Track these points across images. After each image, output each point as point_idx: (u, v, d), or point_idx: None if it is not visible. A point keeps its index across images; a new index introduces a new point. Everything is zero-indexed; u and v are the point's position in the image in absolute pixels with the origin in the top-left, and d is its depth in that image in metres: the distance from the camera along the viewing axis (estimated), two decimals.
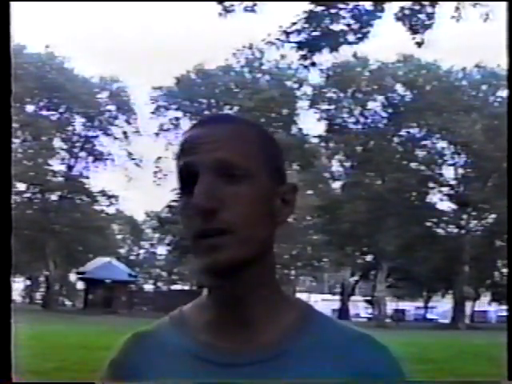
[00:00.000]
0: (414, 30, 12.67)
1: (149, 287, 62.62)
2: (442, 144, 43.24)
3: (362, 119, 44.03)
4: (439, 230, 44.67)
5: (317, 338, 0.98)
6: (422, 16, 12.63)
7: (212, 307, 1.00)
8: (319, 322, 1.01)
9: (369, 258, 48.10)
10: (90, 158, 46.73)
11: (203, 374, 0.96)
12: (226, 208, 0.92)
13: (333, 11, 12.98)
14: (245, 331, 0.97)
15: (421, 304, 59.91)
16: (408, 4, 12.66)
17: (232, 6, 12.71)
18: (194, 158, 0.94)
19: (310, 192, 44.03)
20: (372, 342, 0.99)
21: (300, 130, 43.65)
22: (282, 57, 39.64)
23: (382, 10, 13.01)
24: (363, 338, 0.99)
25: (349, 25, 13.02)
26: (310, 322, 1.00)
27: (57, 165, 45.98)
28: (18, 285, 58.80)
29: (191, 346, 0.99)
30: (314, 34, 13.09)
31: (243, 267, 0.94)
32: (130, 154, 45.83)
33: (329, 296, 61.93)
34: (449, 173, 43.59)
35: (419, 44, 12.94)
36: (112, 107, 46.36)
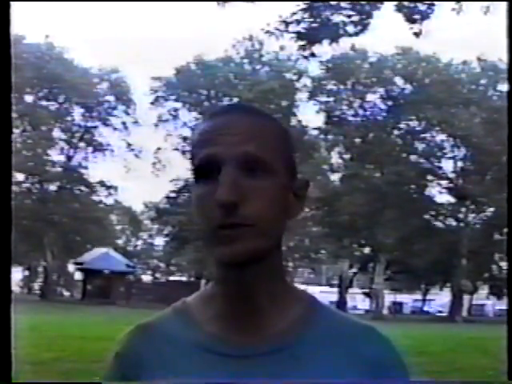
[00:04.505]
0: (411, 20, 12.61)
1: (147, 278, 62.64)
2: (441, 137, 43.21)
3: (361, 111, 43.96)
4: (438, 223, 44.70)
5: (323, 329, 0.99)
6: (422, 7, 12.58)
7: (220, 298, 0.99)
8: (325, 313, 1.02)
9: (367, 250, 48.07)
10: (89, 149, 46.63)
11: (211, 366, 0.95)
12: (247, 202, 0.91)
13: (333, 2, 12.95)
14: (253, 322, 0.98)
15: (419, 297, 60.01)
16: None
17: None
18: (218, 150, 0.92)
19: None
20: (375, 333, 1.01)
21: (299, 121, 43.56)
22: (282, 48, 39.60)
23: (382, 2, 12.98)
24: (367, 329, 1.01)
25: (349, 16, 12.99)
26: (316, 313, 1.01)
27: (56, 155, 45.85)
28: (17, 275, 58.80)
29: (198, 338, 0.99)
30: (314, 24, 13.05)
31: (258, 259, 0.94)
32: (129, 144, 45.80)
33: (326, 288, 61.93)
34: (448, 166, 43.64)
35: (417, 34, 12.89)
36: (111, 98, 46.22)
